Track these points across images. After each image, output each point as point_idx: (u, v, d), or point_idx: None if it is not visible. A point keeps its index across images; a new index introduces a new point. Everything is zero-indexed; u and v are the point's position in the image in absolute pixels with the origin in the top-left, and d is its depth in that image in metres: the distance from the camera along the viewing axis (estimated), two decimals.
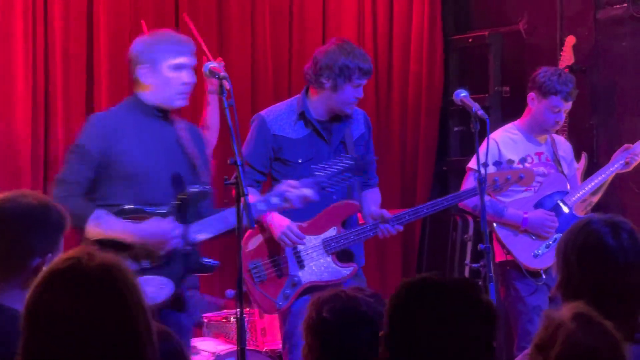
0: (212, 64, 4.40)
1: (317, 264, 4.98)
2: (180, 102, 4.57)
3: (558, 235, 5.47)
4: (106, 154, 4.42)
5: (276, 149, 5.05)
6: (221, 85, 4.25)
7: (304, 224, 4.96)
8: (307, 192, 4.66)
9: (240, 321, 3.98)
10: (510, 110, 6.99)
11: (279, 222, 4.91)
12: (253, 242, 4.99)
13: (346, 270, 5.02)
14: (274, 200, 4.63)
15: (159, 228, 4.34)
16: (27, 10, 6.63)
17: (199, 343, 5.46)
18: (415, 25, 7.75)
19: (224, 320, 5.73)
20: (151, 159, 4.46)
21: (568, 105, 5.62)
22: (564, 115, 5.63)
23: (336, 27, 7.77)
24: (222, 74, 4.29)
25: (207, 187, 4.54)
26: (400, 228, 5.04)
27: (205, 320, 5.77)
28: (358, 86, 5.00)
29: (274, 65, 7.59)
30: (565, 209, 5.59)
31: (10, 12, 6.58)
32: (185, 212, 4.45)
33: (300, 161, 5.02)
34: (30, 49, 6.60)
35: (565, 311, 2.26)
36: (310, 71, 5.05)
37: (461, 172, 5.83)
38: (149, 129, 4.53)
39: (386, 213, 5.01)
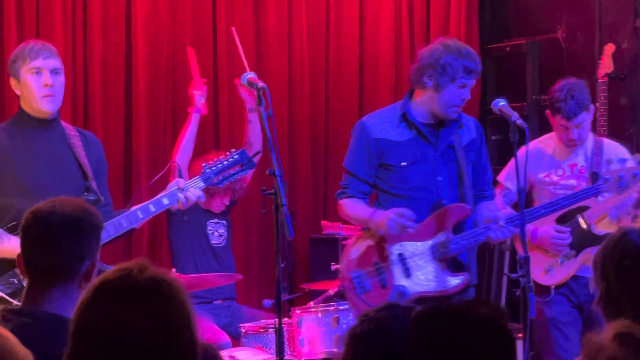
0: (250, 75, 4.38)
1: (424, 272, 4.68)
2: (47, 106, 4.52)
3: (567, 251, 5.36)
4: None
5: (379, 153, 4.77)
6: (259, 96, 4.24)
7: (411, 230, 4.64)
8: (196, 192, 4.56)
9: (279, 331, 3.98)
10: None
11: (382, 213, 4.63)
12: (356, 249, 4.79)
13: (457, 280, 4.72)
14: (165, 201, 4.56)
15: None
16: (66, 20, 6.71)
17: (237, 353, 5.46)
18: (452, 34, 7.71)
19: (262, 330, 5.72)
20: (42, 171, 4.45)
21: (571, 123, 5.36)
22: (576, 132, 5.37)
23: (373, 35, 7.77)
24: (260, 84, 4.28)
25: (95, 196, 4.49)
26: (516, 230, 4.69)
27: (243, 331, 5.77)
28: (463, 86, 4.70)
29: (311, 74, 7.60)
30: (584, 225, 5.39)
31: (51, 21, 6.65)
32: None
33: (404, 164, 4.73)
34: (70, 58, 6.67)
35: (606, 332, 2.22)
36: (413, 71, 4.79)
37: (498, 181, 5.77)
38: (37, 140, 4.51)
39: (499, 214, 4.77)
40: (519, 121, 4.54)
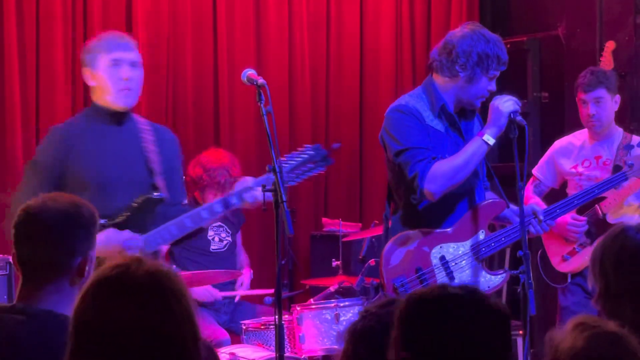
0: (250, 71, 4.34)
1: (467, 274, 4.51)
2: (124, 100, 4.36)
3: (584, 240, 5.49)
4: (62, 165, 4.29)
5: (428, 139, 4.44)
6: (259, 93, 4.22)
7: (449, 230, 4.52)
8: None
9: (279, 328, 3.97)
10: (550, 116, 6.95)
11: (500, 111, 4.36)
12: (396, 256, 4.54)
13: (499, 278, 4.59)
14: (233, 200, 4.32)
15: (116, 240, 4.18)
16: (66, 20, 6.72)
17: (237, 350, 5.46)
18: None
19: (263, 327, 5.72)
20: (108, 167, 4.31)
21: (588, 95, 5.51)
22: (594, 107, 5.52)
23: (374, 32, 7.78)
24: (260, 81, 4.25)
25: (161, 193, 4.32)
26: (553, 224, 4.66)
27: (244, 327, 5.77)
28: (493, 78, 4.50)
29: (312, 70, 7.61)
30: (600, 214, 5.52)
31: (51, 20, 6.67)
32: (141, 220, 4.28)
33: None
34: (70, 58, 6.67)
35: (566, 326, 2.23)
36: (443, 58, 4.49)
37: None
38: (106, 135, 4.35)
39: (537, 208, 4.62)
40: (519, 118, 4.51)
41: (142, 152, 4.38)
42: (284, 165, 4.22)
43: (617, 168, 5.57)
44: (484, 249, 4.55)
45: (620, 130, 5.69)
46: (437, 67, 4.53)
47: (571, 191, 5.63)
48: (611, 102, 5.58)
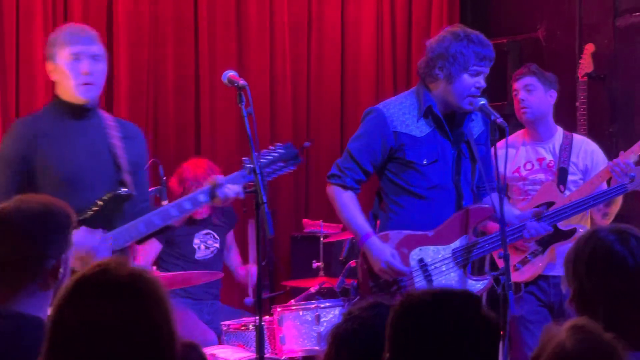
0: (231, 73, 4.33)
1: (447, 279, 4.46)
2: (84, 94, 4.25)
3: (535, 248, 5.35)
4: (28, 160, 4.20)
5: (395, 148, 4.51)
6: (240, 94, 4.21)
7: (430, 233, 4.50)
8: (235, 188, 4.21)
9: (259, 329, 3.98)
10: None
11: (377, 253, 4.42)
12: None
13: (479, 284, 4.54)
14: (201, 197, 4.26)
15: (88, 243, 4.11)
16: (47, 19, 6.70)
17: (217, 351, 5.46)
18: (433, 33, 7.69)
19: (243, 328, 5.73)
20: (76, 163, 4.23)
21: (518, 83, 5.57)
22: (524, 94, 5.54)
23: (355, 35, 7.79)
24: (241, 82, 4.25)
25: (128, 189, 4.25)
26: (550, 229, 4.69)
27: (224, 328, 5.77)
28: (478, 74, 4.49)
29: (293, 73, 7.61)
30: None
31: (31, 21, 6.66)
32: (109, 217, 4.20)
33: (425, 162, 4.50)
34: None
35: (564, 325, 2.24)
36: (423, 65, 4.57)
37: None
38: (73, 130, 4.28)
39: (539, 210, 4.64)
40: (499, 120, 4.52)
41: (109, 147, 4.30)
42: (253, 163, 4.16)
43: (562, 171, 5.46)
44: (466, 254, 4.52)
45: (560, 129, 5.59)
46: (422, 75, 4.59)
47: (514, 196, 5.49)
48: (544, 94, 5.53)
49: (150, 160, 5.28)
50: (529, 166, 5.54)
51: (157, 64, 7.14)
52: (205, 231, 6.41)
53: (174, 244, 6.32)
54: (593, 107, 6.16)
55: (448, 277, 4.47)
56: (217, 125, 7.32)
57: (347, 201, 4.56)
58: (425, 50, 4.61)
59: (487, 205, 4.59)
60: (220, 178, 4.28)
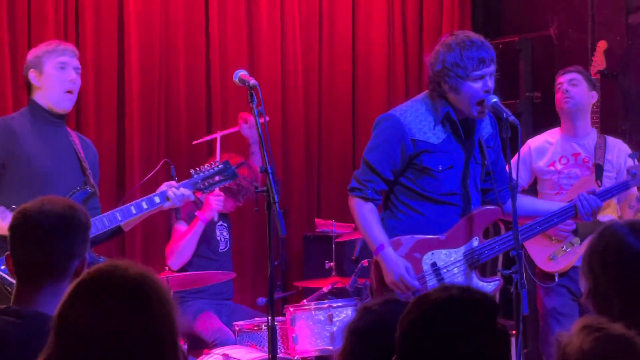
0: (242, 72, 4.35)
1: (459, 281, 4.43)
2: (67, 103, 4.75)
3: (572, 239, 5.45)
4: (5, 157, 4.61)
5: (414, 154, 4.50)
6: (251, 94, 4.23)
7: (442, 236, 4.51)
8: (185, 191, 4.83)
9: (272, 329, 3.97)
10: (542, 115, 6.96)
11: (391, 265, 4.42)
12: None
13: (490, 285, 4.58)
14: (157, 199, 4.77)
15: None
16: (58, 21, 6.70)
17: (231, 351, 5.45)
18: (445, 31, 7.72)
19: (256, 328, 5.72)
20: (49, 162, 4.66)
21: (564, 77, 5.73)
22: (569, 86, 5.67)
23: (366, 32, 7.78)
24: (252, 82, 4.27)
25: (93, 188, 4.75)
26: (601, 204, 4.77)
27: (237, 328, 5.77)
28: (481, 78, 4.45)
29: (304, 71, 7.60)
30: None
31: (43, 22, 6.66)
32: None
33: (440, 169, 4.49)
34: None
35: (573, 328, 2.22)
36: (429, 81, 4.57)
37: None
38: (47, 134, 4.72)
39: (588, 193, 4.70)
40: (511, 118, 4.50)
41: (75, 152, 4.77)
42: (197, 174, 4.95)
43: (598, 167, 5.58)
44: (477, 256, 4.54)
45: (594, 130, 5.74)
46: (431, 90, 4.57)
47: (546, 190, 5.62)
48: (587, 91, 5.67)
49: (162, 161, 5.45)
50: (564, 160, 5.67)
51: (169, 63, 7.14)
52: (220, 222, 6.43)
53: (206, 240, 6.32)
54: (606, 104, 6.13)
55: (459, 279, 4.47)
56: (229, 124, 7.31)
57: (366, 213, 4.56)
58: (426, 67, 4.60)
59: (496, 208, 4.61)
60: (173, 183, 4.83)
